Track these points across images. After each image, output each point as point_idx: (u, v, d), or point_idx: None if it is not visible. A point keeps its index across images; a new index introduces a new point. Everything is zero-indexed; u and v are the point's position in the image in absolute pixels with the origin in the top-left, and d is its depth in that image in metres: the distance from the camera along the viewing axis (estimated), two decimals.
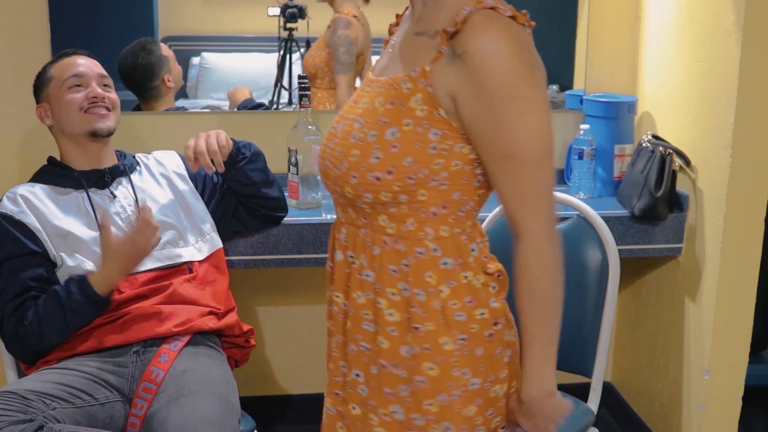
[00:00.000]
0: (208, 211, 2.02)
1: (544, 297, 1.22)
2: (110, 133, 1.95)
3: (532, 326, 1.23)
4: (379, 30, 2.57)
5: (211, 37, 2.76)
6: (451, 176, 1.21)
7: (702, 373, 2.18)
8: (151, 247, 1.78)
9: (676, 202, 2.26)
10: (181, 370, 1.76)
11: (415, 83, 1.19)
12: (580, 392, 2.08)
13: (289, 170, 2.23)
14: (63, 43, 2.27)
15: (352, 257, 1.29)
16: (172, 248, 1.92)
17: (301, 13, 2.57)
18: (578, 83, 2.62)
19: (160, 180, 2.01)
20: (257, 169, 2.00)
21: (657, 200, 2.18)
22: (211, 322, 1.89)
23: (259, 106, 2.53)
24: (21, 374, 1.91)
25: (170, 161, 2.07)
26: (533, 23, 1.20)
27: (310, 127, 2.20)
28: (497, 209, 2.16)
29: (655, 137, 2.29)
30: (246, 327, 2.02)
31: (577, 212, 2.07)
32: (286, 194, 2.18)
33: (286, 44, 2.61)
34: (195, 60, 2.77)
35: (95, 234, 1.86)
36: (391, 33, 1.40)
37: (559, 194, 2.13)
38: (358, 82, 2.61)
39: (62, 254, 1.83)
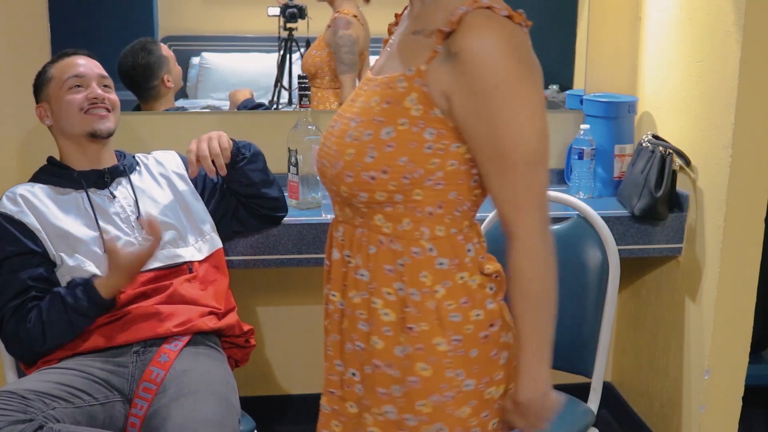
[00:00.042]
0: (208, 211, 2.02)
1: (538, 298, 1.21)
2: (110, 135, 1.95)
3: (527, 327, 1.22)
4: (378, 30, 2.57)
5: (211, 37, 2.75)
6: (447, 176, 1.20)
7: (702, 373, 2.18)
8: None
9: (676, 202, 2.26)
10: (182, 370, 1.76)
11: (410, 82, 1.19)
12: (580, 392, 2.08)
13: (289, 170, 2.23)
14: (63, 43, 2.27)
15: (348, 256, 1.29)
16: (172, 248, 1.92)
17: (301, 13, 2.57)
18: (578, 83, 2.62)
19: (159, 180, 2.01)
20: (257, 170, 2.00)
21: (657, 200, 2.18)
22: (211, 322, 1.89)
23: (259, 106, 2.53)
24: (21, 375, 1.91)
25: (170, 161, 2.07)
26: (530, 22, 1.20)
27: (310, 127, 2.20)
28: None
29: (655, 137, 2.29)
30: (246, 327, 2.02)
31: (577, 212, 2.07)
32: (286, 194, 2.18)
33: (286, 44, 2.61)
34: (195, 60, 2.77)
35: (95, 234, 1.86)
36: (390, 32, 1.40)
37: (559, 194, 2.13)
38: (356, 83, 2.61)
39: (62, 254, 1.83)
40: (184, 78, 2.63)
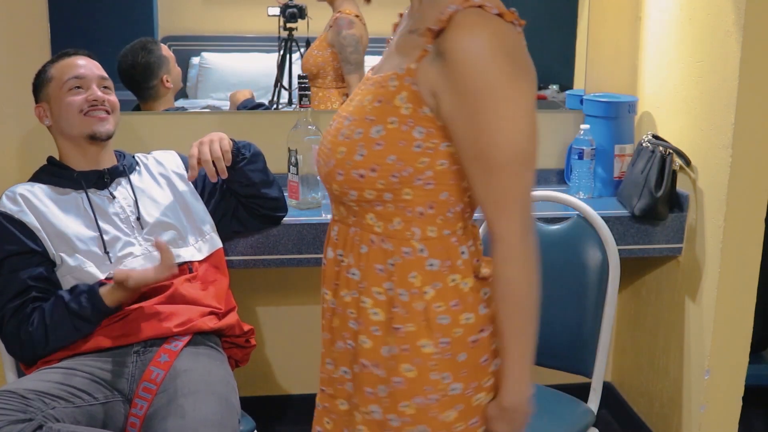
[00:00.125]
0: (208, 211, 2.02)
1: (521, 303, 1.19)
2: (109, 137, 1.95)
3: (509, 331, 1.20)
4: (378, 30, 2.57)
5: (211, 37, 2.76)
6: (437, 176, 1.19)
7: (702, 373, 2.18)
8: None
9: (676, 202, 2.26)
10: (182, 370, 1.76)
11: (401, 81, 1.18)
12: (580, 392, 2.08)
13: (289, 170, 2.23)
14: (63, 43, 2.27)
15: (341, 255, 1.28)
16: (172, 248, 1.91)
17: (301, 13, 2.57)
18: (578, 83, 2.62)
19: (159, 180, 2.01)
20: (257, 170, 2.00)
21: (657, 200, 2.18)
22: (211, 322, 1.89)
23: (259, 106, 2.53)
24: (21, 374, 1.91)
25: (170, 161, 2.07)
26: (523, 21, 1.18)
27: (310, 127, 2.20)
28: None
29: (656, 137, 2.29)
30: (246, 327, 2.02)
31: (577, 212, 2.07)
32: (285, 194, 2.18)
33: (286, 44, 2.61)
34: (195, 60, 2.77)
35: (94, 234, 1.86)
36: (394, 31, 1.40)
37: (559, 194, 2.13)
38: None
39: (62, 254, 1.82)
40: (184, 78, 2.63)
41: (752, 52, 1.94)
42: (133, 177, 1.99)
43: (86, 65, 1.95)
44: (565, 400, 2.04)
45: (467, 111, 1.12)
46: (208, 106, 2.69)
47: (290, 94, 2.65)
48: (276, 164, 2.21)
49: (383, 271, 1.23)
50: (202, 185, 2.04)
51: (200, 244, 1.97)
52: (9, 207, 1.84)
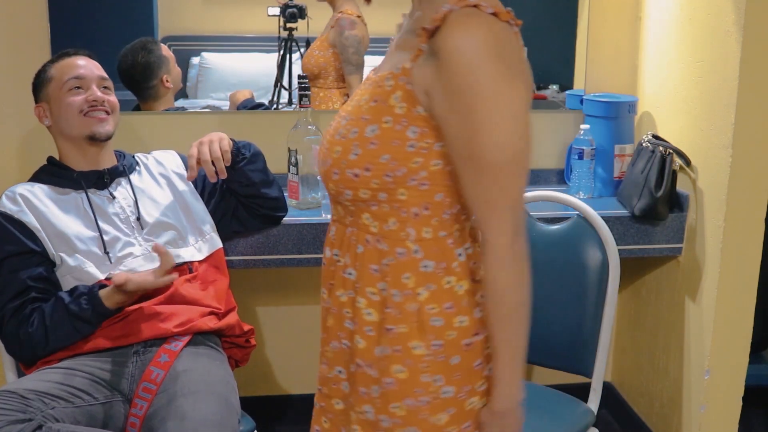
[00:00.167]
0: (208, 211, 2.02)
1: (510, 307, 1.18)
2: (108, 138, 1.95)
3: (500, 335, 1.19)
4: (378, 30, 2.57)
5: (211, 37, 2.75)
6: (432, 176, 1.19)
7: (702, 373, 2.18)
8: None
9: (676, 202, 2.26)
10: (181, 370, 1.76)
11: (396, 80, 1.18)
12: (580, 392, 2.08)
13: (289, 170, 2.23)
14: (63, 43, 2.27)
15: (336, 255, 1.28)
16: (172, 248, 1.92)
17: (301, 13, 2.57)
18: (578, 83, 2.62)
19: (159, 180, 2.01)
20: (257, 170, 2.00)
21: (657, 200, 2.18)
22: (211, 323, 1.89)
23: (259, 105, 2.53)
24: (21, 375, 1.91)
25: (170, 161, 2.07)
26: (519, 21, 1.17)
27: (310, 127, 2.20)
28: None
29: (656, 137, 2.29)
30: (246, 327, 2.02)
31: (577, 212, 2.07)
32: (285, 194, 2.18)
33: (286, 44, 2.61)
34: (195, 60, 2.77)
35: (94, 234, 1.86)
36: (398, 32, 1.39)
37: (559, 194, 2.13)
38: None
39: (62, 254, 1.82)
40: (184, 78, 2.63)
41: (752, 52, 1.94)
42: (133, 177, 1.99)
43: (86, 65, 1.95)
44: (565, 400, 2.04)
45: (458, 110, 1.11)
46: (208, 106, 2.69)
47: (290, 94, 2.65)
48: (276, 164, 2.21)
49: (378, 271, 1.23)
50: (202, 185, 2.04)
51: (200, 244, 1.97)
52: (9, 207, 1.84)
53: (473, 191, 1.15)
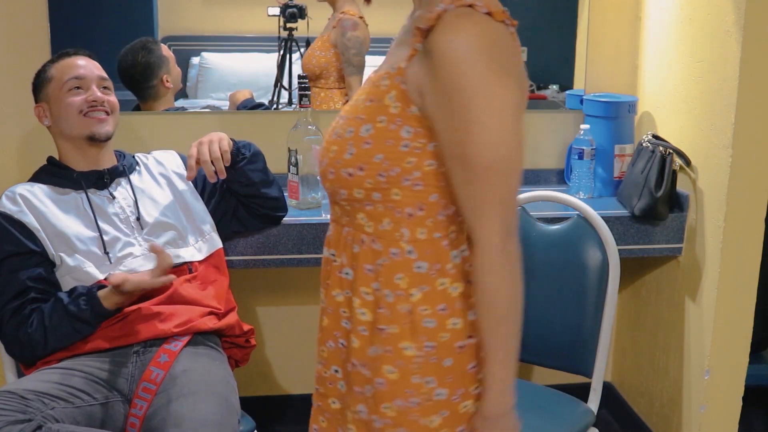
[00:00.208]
0: (208, 211, 2.02)
1: (501, 311, 1.16)
2: (108, 138, 1.95)
3: (490, 340, 1.17)
4: (378, 30, 2.57)
5: (211, 37, 2.75)
6: (425, 177, 1.18)
7: (702, 373, 2.18)
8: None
9: (676, 202, 2.26)
10: (181, 370, 1.76)
11: (392, 80, 1.18)
12: (580, 392, 2.08)
13: (289, 170, 2.23)
14: (63, 43, 2.27)
15: (333, 255, 1.28)
16: (172, 248, 1.92)
17: (301, 12, 2.57)
18: (578, 83, 2.62)
19: (159, 180, 2.01)
20: (257, 170, 2.00)
21: (657, 200, 2.18)
22: (211, 323, 1.89)
23: (259, 105, 2.53)
24: (21, 375, 1.90)
25: (170, 161, 2.07)
26: (515, 21, 1.15)
27: (310, 127, 2.20)
28: None
29: (656, 137, 2.29)
30: (246, 327, 2.02)
31: (577, 212, 2.07)
32: (285, 194, 2.18)
33: (286, 44, 2.61)
34: (195, 60, 2.77)
35: (94, 234, 1.86)
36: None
37: (559, 194, 2.13)
38: None
39: (62, 254, 1.82)
40: (184, 78, 2.63)
41: (752, 52, 1.94)
42: (133, 177, 1.99)
43: (86, 65, 1.95)
44: (565, 400, 2.04)
45: (449, 110, 1.10)
46: (208, 106, 2.69)
47: (290, 94, 2.65)
48: (276, 164, 2.21)
49: (372, 271, 1.22)
50: (202, 185, 2.04)
51: (200, 244, 1.97)
52: (8, 207, 1.84)
53: (463, 192, 1.14)
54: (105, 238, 1.86)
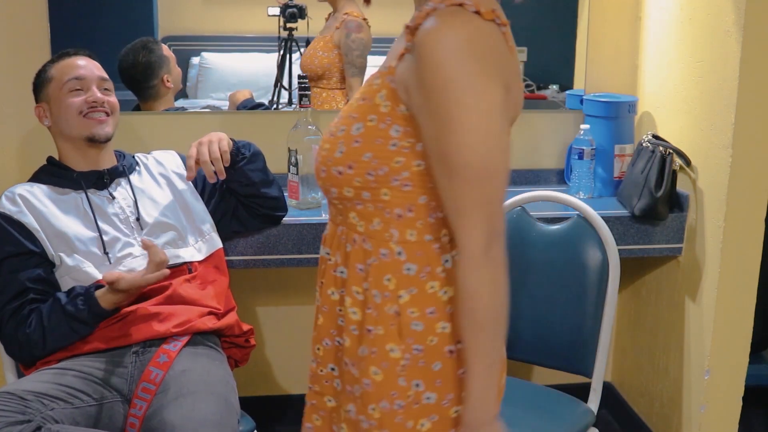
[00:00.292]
0: (208, 211, 2.02)
1: (483, 316, 1.12)
2: (108, 139, 1.94)
3: (472, 347, 1.14)
4: (378, 30, 2.57)
5: (211, 37, 2.75)
6: (414, 177, 1.17)
7: (702, 373, 2.18)
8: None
9: (676, 202, 2.26)
10: (181, 370, 1.76)
11: (383, 79, 1.18)
12: (580, 392, 2.08)
13: (289, 170, 2.23)
14: (63, 43, 2.27)
15: (328, 254, 1.28)
16: (172, 249, 1.92)
17: (301, 12, 2.57)
18: (578, 83, 2.62)
19: (159, 180, 2.01)
20: (257, 169, 2.00)
21: (657, 200, 2.18)
22: (210, 322, 1.89)
23: (259, 105, 2.53)
24: (20, 376, 1.90)
25: (170, 161, 2.07)
26: (506, 21, 1.14)
27: (310, 127, 2.20)
28: None
29: (656, 137, 2.29)
30: (246, 327, 2.02)
31: (577, 212, 2.07)
32: (285, 194, 2.18)
33: (286, 44, 2.61)
34: (195, 60, 2.77)
35: (94, 235, 1.86)
36: None
37: (559, 194, 2.13)
38: None
39: (61, 254, 1.82)
40: (184, 78, 2.63)
41: (752, 52, 1.94)
42: (133, 177, 1.99)
43: (86, 66, 1.95)
44: (565, 400, 2.04)
45: (431, 109, 1.09)
46: (208, 106, 2.69)
47: (290, 94, 2.65)
48: (276, 164, 2.21)
49: (363, 270, 1.22)
50: (202, 185, 2.04)
51: (200, 245, 1.97)
52: (8, 208, 1.84)
53: (446, 194, 1.12)
54: (105, 238, 1.86)
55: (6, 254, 1.80)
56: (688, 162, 2.20)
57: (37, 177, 1.95)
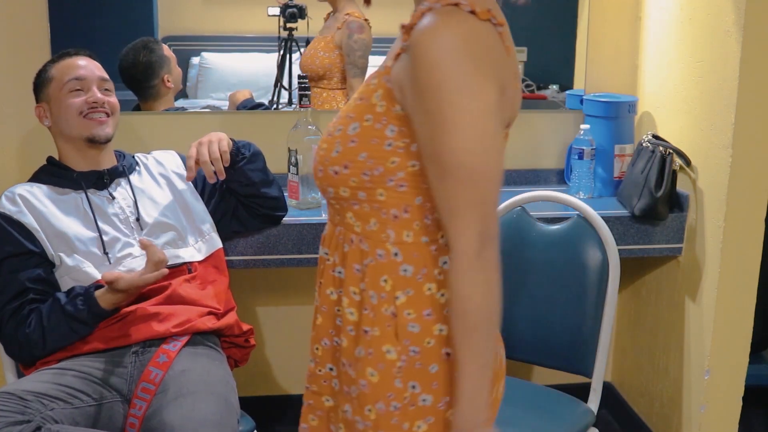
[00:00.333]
0: (208, 211, 2.02)
1: (474, 319, 1.10)
2: (108, 140, 1.94)
3: (462, 350, 1.12)
4: (377, 30, 2.57)
5: (211, 37, 2.75)
6: (409, 178, 1.16)
7: (702, 373, 2.18)
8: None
9: (676, 202, 2.26)
10: (180, 370, 1.76)
11: (379, 78, 1.17)
12: (580, 392, 2.08)
13: (289, 170, 2.23)
14: (63, 43, 2.27)
15: (326, 254, 1.28)
16: (172, 249, 1.92)
17: (301, 12, 2.57)
18: (578, 83, 2.62)
19: (159, 180, 2.01)
20: (257, 169, 2.00)
21: (657, 200, 2.18)
22: (210, 322, 1.89)
23: (259, 105, 2.53)
24: (21, 376, 1.90)
25: (170, 161, 2.07)
26: (502, 20, 1.13)
27: (310, 127, 2.20)
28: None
29: (656, 137, 2.29)
30: (245, 327, 2.02)
31: (577, 212, 2.07)
32: (285, 194, 2.18)
33: (286, 44, 2.61)
34: (195, 60, 2.77)
35: (94, 235, 1.86)
36: None
37: (559, 194, 2.13)
38: None
39: (61, 254, 1.82)
40: (184, 78, 2.63)
41: (752, 52, 1.94)
42: (133, 177, 1.99)
43: (87, 66, 1.95)
44: (565, 400, 2.04)
45: (423, 109, 1.08)
46: (208, 106, 2.69)
47: (290, 94, 2.65)
48: (276, 164, 2.21)
49: (360, 271, 1.21)
50: (201, 185, 2.04)
51: (200, 245, 1.97)
52: (8, 208, 1.84)
53: (439, 194, 1.11)
54: (104, 238, 1.86)
55: (6, 254, 1.80)
56: (688, 162, 2.20)
57: (37, 177, 1.95)
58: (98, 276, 1.82)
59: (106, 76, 1.98)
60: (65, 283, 1.83)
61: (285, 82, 2.65)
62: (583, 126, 2.39)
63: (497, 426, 1.28)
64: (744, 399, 2.18)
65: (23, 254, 1.81)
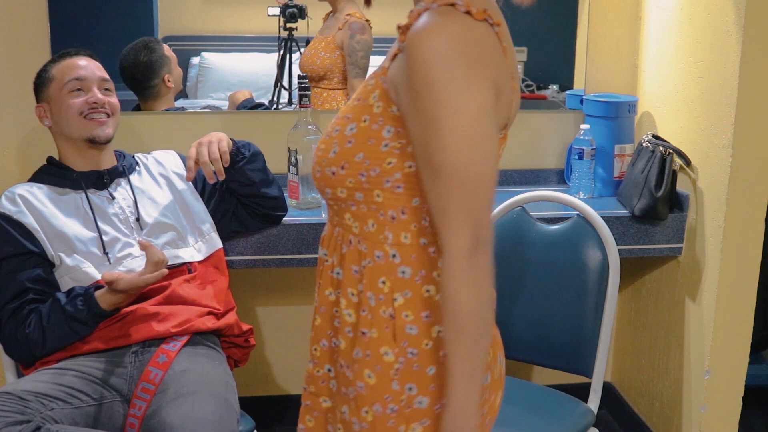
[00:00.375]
0: (208, 211, 2.02)
1: (465, 323, 1.08)
2: (108, 141, 1.95)
3: (453, 353, 1.10)
4: (377, 30, 2.57)
5: (211, 37, 2.75)
6: (406, 179, 1.15)
7: (702, 373, 2.18)
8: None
9: (676, 202, 2.26)
10: (180, 370, 1.76)
11: (376, 79, 1.17)
12: (580, 392, 2.08)
13: (289, 170, 2.23)
14: (63, 43, 2.27)
15: (325, 254, 1.28)
16: (172, 249, 1.92)
17: (301, 13, 2.57)
18: (578, 83, 2.62)
19: (159, 180, 2.02)
20: (257, 169, 2.00)
21: (657, 200, 2.18)
22: (209, 322, 1.89)
23: (259, 105, 2.53)
24: (20, 376, 1.90)
25: (170, 161, 2.07)
26: (498, 20, 1.12)
27: (310, 126, 2.20)
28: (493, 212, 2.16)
29: (656, 137, 2.29)
30: (245, 327, 2.02)
31: (577, 212, 2.07)
32: (285, 194, 2.18)
33: (286, 44, 2.61)
34: (195, 60, 2.77)
35: (93, 235, 1.86)
36: None
37: (559, 194, 2.13)
38: None
39: (61, 254, 1.83)
40: (184, 78, 2.63)
41: (752, 52, 1.94)
42: (133, 177, 1.99)
43: (87, 66, 1.95)
44: (565, 400, 2.04)
45: (418, 109, 1.07)
46: (208, 106, 2.69)
47: (290, 94, 2.65)
48: (276, 164, 2.21)
49: (358, 272, 1.21)
50: (201, 185, 2.04)
51: (200, 245, 1.97)
52: (8, 208, 1.84)
53: (431, 196, 1.10)
54: (104, 238, 1.86)
55: (6, 254, 1.81)
56: (688, 162, 2.20)
57: (37, 177, 1.95)
58: (98, 276, 1.82)
59: (107, 76, 1.98)
60: (65, 283, 1.83)
61: (285, 82, 2.65)
62: (583, 126, 2.39)
63: (497, 426, 1.29)
64: (744, 399, 2.18)
65: (23, 254, 1.81)
